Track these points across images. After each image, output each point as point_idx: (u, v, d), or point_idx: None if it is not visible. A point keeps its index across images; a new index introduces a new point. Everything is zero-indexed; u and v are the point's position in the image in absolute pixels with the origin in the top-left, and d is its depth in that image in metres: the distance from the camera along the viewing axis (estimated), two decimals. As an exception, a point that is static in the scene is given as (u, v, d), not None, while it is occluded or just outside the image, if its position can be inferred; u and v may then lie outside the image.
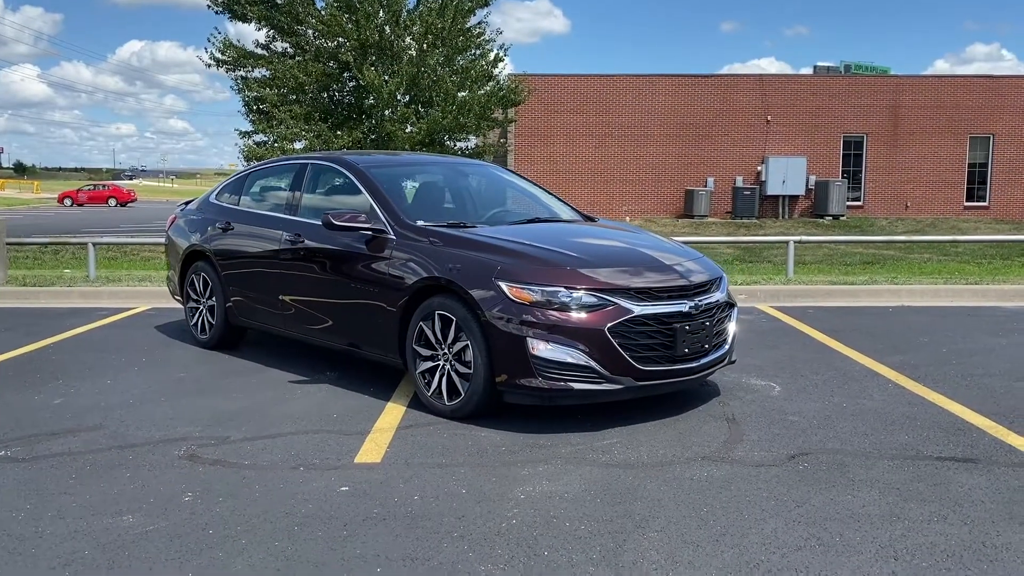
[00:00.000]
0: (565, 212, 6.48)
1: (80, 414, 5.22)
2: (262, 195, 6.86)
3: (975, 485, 3.99)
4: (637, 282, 4.90)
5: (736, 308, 5.53)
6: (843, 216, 29.49)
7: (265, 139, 25.05)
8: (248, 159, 24.38)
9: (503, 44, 25.68)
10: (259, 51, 25.37)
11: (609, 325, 4.70)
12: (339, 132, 25.07)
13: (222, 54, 24.94)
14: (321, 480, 4.08)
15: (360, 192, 5.83)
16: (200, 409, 5.32)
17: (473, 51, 25.67)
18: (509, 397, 4.86)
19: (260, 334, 7.17)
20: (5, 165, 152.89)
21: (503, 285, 4.79)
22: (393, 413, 5.20)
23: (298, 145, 24.52)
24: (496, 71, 25.98)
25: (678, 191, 30.24)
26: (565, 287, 4.75)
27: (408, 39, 24.67)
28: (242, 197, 6.98)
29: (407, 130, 23.72)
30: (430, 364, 5.14)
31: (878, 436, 4.73)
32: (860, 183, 30.73)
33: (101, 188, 59.35)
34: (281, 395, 5.66)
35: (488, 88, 25.71)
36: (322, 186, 6.31)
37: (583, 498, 3.85)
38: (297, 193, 6.38)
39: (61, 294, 10.15)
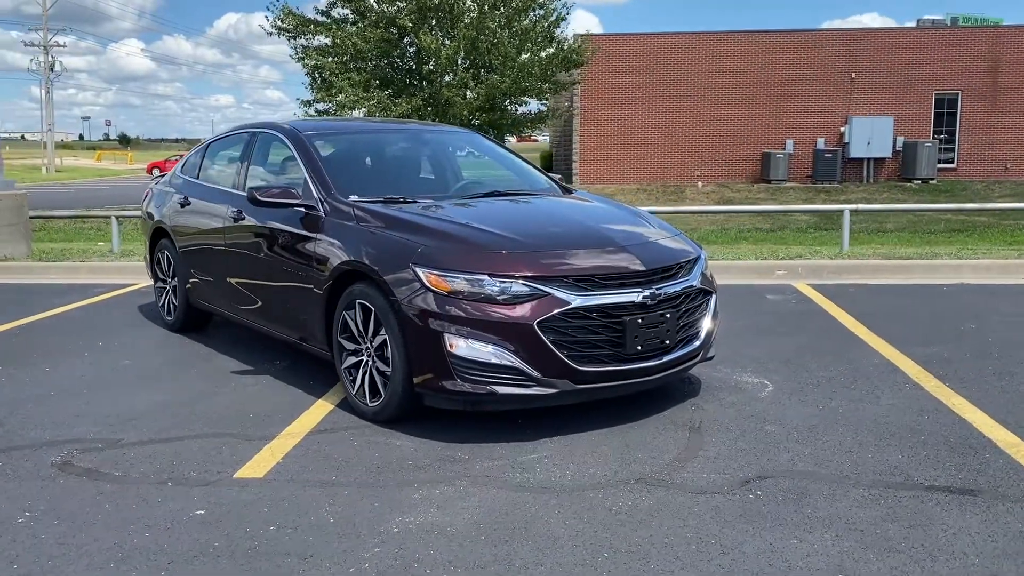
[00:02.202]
0: (538, 185, 5.73)
1: (-13, 409, 4.83)
2: (215, 168, 6.35)
3: (964, 528, 3.17)
4: (579, 267, 4.17)
5: (714, 295, 4.72)
6: (933, 180, 27.50)
7: (326, 108, 24.81)
8: (306, 128, 24.21)
9: (566, 2, 24.65)
10: (319, 18, 25.08)
11: (540, 319, 4.00)
12: (397, 100, 24.64)
13: (282, 22, 24.77)
14: (180, 500, 3.54)
15: (297, 163, 5.24)
16: (117, 404, 4.87)
17: (535, 11, 24.77)
18: (429, 400, 4.23)
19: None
20: (112, 137, 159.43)
21: (420, 271, 4.13)
22: (316, 413, 4.64)
23: (357, 114, 24.19)
24: (558, 32, 25.05)
25: (754, 154, 28.74)
26: (489, 274, 4.06)
27: (469, 1, 23.93)
28: (200, 170, 6.48)
29: (466, 96, 23.05)
30: (354, 359, 4.55)
31: (864, 454, 3.91)
32: (953, 144, 28.59)
33: (187, 158, 60.58)
34: (213, 388, 5.17)
35: (551, 50, 24.81)
36: (266, 157, 5.75)
37: (467, 534, 3.20)
38: (244, 165, 5.84)
39: (71, 269, 9.96)
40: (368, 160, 5.65)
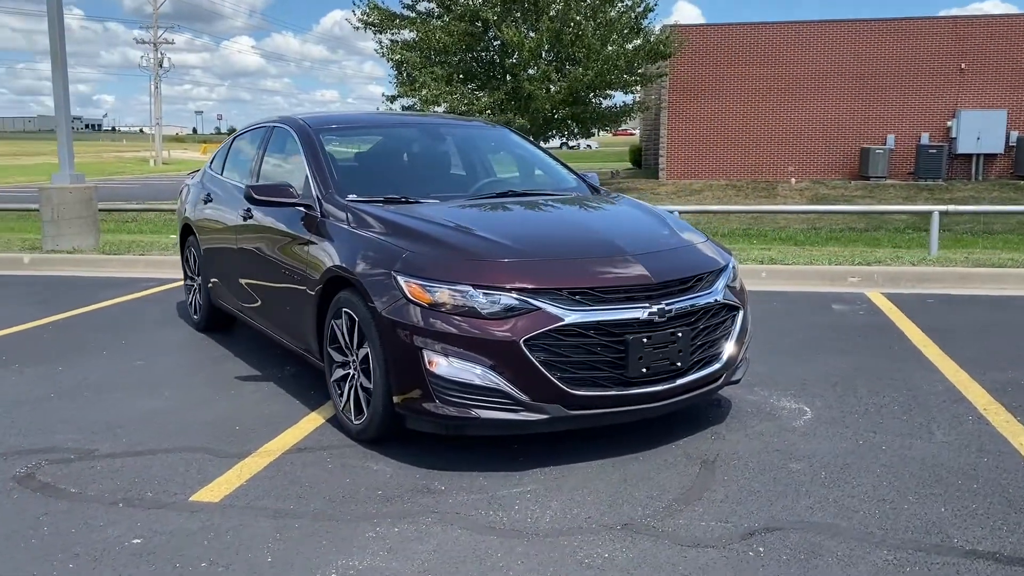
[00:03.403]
0: (564, 185, 5.27)
1: (-19, 410, 4.71)
2: (236, 163, 6.11)
3: (1003, 611, 2.60)
4: (577, 279, 3.71)
5: (742, 311, 4.18)
6: (1050, 177, 25.56)
7: (411, 102, 24.76)
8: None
9: (654, -9, 23.87)
10: (405, 12, 25.05)
11: (527, 336, 3.57)
12: (480, 94, 24.41)
13: (367, 16, 24.85)
14: (122, 526, 3.27)
15: (301, 159, 4.94)
16: (110, 409, 4.68)
17: (623, 1, 24.11)
18: (410, 422, 3.84)
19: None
20: (223, 131, 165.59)
21: (401, 280, 3.76)
22: (303, 428, 4.33)
23: (439, 108, 24.06)
24: (645, 23, 24.32)
25: (852, 150, 27.30)
26: (473, 285, 3.65)
27: (555, -9, 23.46)
28: (225, 166, 6.28)
29: (549, 90, 22.59)
30: (341, 372, 4.22)
31: (900, 504, 3.34)
32: (1074, 139, 26.49)
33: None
34: (212, 395, 4.93)
35: (637, 42, 24.11)
36: (279, 152, 5.46)
37: (410, 584, 2.81)
38: (258, 161, 5.60)
39: (129, 263, 10.01)
40: (378, 157, 5.32)
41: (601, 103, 25.66)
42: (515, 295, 3.62)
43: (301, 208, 4.65)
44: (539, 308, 3.60)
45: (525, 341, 3.56)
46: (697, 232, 4.52)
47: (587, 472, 3.71)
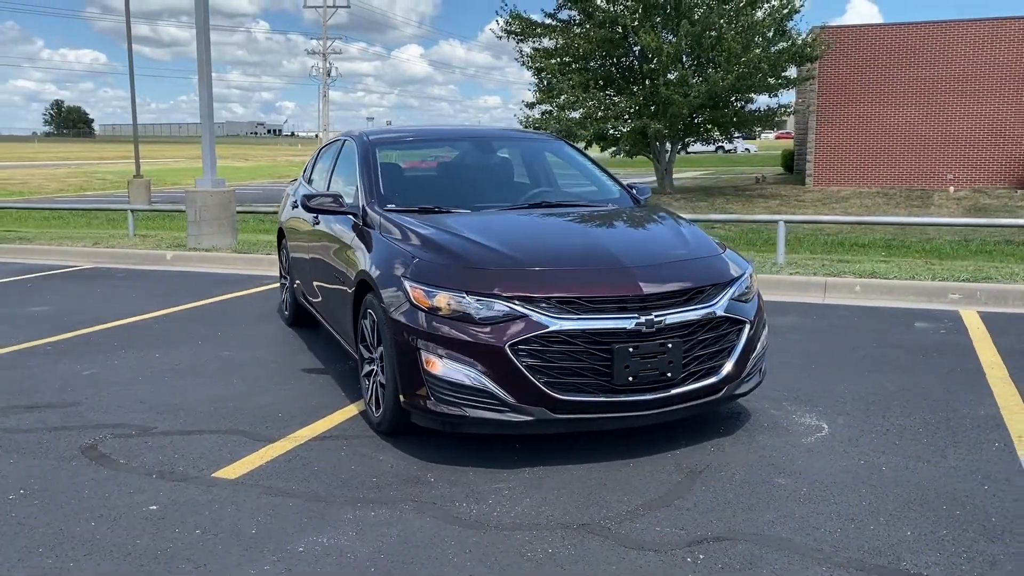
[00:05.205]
0: (605, 196, 5.42)
1: (80, 388, 5.39)
2: (317, 173, 6.63)
3: (914, 635, 2.59)
4: (566, 288, 3.89)
5: (748, 324, 4.20)
6: None
7: (549, 109, 25.16)
8: (525, 128, 24.74)
9: (801, -8, 23.13)
10: (547, 20, 25.45)
11: (513, 342, 3.78)
12: (617, 99, 24.47)
13: (509, 25, 25.44)
14: (147, 494, 3.74)
15: (354, 170, 5.35)
16: (179, 393, 5.25)
17: (768, 2, 23.51)
18: (415, 418, 4.14)
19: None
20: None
21: (408, 285, 4.06)
22: (336, 418, 4.72)
23: (575, 114, 24.33)
24: (790, 25, 23.61)
25: (1020, 156, 25.40)
26: (467, 291, 3.90)
27: (698, -6, 23.21)
28: (312, 175, 6.82)
29: (687, 94, 22.35)
30: (368, 368, 4.57)
31: (866, 525, 3.31)
32: None
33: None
34: (272, 385, 5.42)
35: (783, 45, 23.44)
36: (347, 164, 5.89)
37: (358, 563, 3.10)
38: (331, 171, 6.07)
39: (253, 261, 10.87)
40: (427, 169, 5.65)
41: (743, 107, 25.14)
42: (505, 302, 3.84)
43: (350, 216, 5.04)
44: (526, 315, 3.81)
45: (511, 346, 3.77)
46: (714, 245, 4.56)
47: (571, 474, 3.88)
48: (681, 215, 5.23)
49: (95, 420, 4.78)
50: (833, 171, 27.04)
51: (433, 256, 4.17)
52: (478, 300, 3.86)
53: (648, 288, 3.91)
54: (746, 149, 69.13)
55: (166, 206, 16.49)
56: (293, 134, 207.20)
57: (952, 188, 25.29)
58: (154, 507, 3.61)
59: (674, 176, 27.09)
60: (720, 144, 36.06)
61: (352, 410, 4.85)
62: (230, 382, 5.51)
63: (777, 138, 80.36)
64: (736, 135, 30.00)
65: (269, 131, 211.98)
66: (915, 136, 26.19)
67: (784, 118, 26.82)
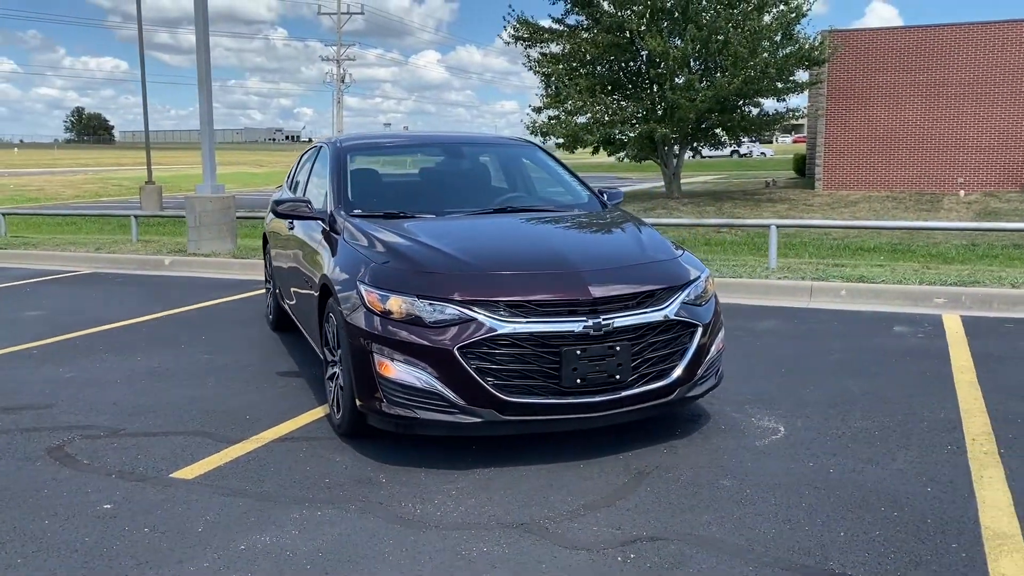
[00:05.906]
0: (572, 200, 5.48)
1: (57, 390, 5.50)
2: (296, 179, 6.73)
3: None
4: (513, 292, 3.94)
5: (700, 327, 4.23)
6: None
7: (556, 113, 25.22)
8: (533, 134, 24.81)
9: (809, -3, 23.08)
10: (554, 26, 25.54)
11: (461, 345, 3.84)
12: (624, 104, 24.51)
13: (516, 31, 25.53)
14: (104, 493, 3.83)
15: (326, 176, 5.44)
16: (154, 395, 5.34)
17: (776, 7, 23.46)
18: (371, 420, 4.20)
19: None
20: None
21: (363, 289, 4.13)
22: (301, 420, 4.80)
23: (581, 119, 24.38)
24: (797, 28, 23.55)
25: (1032, 160, 25.18)
26: (418, 295, 3.96)
27: (704, 0, 23.20)
28: (294, 181, 6.91)
29: (693, 99, 22.34)
30: (331, 371, 4.64)
31: (801, 526, 3.34)
32: None
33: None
34: (244, 388, 5.50)
35: (790, 49, 23.39)
36: (321, 170, 5.97)
37: (295, 561, 3.17)
38: (308, 178, 6.16)
39: (249, 266, 10.98)
40: (395, 174, 5.73)
41: (751, 111, 25.10)
42: (456, 305, 3.90)
43: (320, 221, 5.13)
44: (476, 318, 3.87)
45: (459, 348, 3.83)
46: (671, 249, 4.61)
47: (521, 475, 3.93)
48: (683, 218, 5.28)
49: (67, 421, 4.88)
50: (842, 175, 26.92)
51: (389, 260, 4.24)
52: (430, 304, 3.93)
53: (597, 291, 3.96)
54: (762, 153, 68.85)
55: (170, 212, 16.70)
56: (311, 140, 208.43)
57: (962, 192, 25.10)
58: (108, 506, 3.70)
59: (687, 180, 27.07)
60: (735, 148, 35.97)
61: (319, 413, 4.92)
62: (206, 384, 5.60)
63: (794, 142, 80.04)
64: (747, 139, 29.92)
65: (287, 137, 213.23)
66: (925, 140, 26.04)
67: (795, 122, 26.72)
